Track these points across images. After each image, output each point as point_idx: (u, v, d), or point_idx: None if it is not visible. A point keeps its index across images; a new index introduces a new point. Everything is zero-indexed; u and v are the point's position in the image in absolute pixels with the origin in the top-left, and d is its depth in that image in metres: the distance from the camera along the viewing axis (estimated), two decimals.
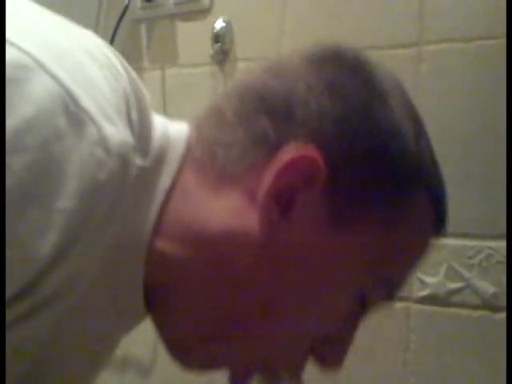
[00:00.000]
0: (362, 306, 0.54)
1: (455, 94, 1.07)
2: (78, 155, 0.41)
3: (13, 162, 0.39)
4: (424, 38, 1.10)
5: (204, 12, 1.32)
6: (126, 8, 1.39)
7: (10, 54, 0.41)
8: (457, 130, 1.06)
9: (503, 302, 1.00)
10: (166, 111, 1.25)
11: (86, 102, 0.42)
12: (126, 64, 0.50)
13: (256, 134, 0.50)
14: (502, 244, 1.01)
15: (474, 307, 1.03)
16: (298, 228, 0.50)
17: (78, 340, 0.51)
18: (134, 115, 0.47)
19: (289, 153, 0.49)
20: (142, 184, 0.48)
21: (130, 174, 0.45)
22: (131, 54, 1.35)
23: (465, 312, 1.04)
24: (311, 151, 0.48)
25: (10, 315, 0.41)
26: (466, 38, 1.06)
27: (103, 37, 0.51)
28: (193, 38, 1.33)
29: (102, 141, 0.42)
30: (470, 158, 1.05)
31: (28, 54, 0.42)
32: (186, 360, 0.55)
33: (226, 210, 0.50)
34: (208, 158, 0.51)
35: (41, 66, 0.41)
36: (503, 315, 1.00)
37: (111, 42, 1.35)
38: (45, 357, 0.50)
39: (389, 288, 0.55)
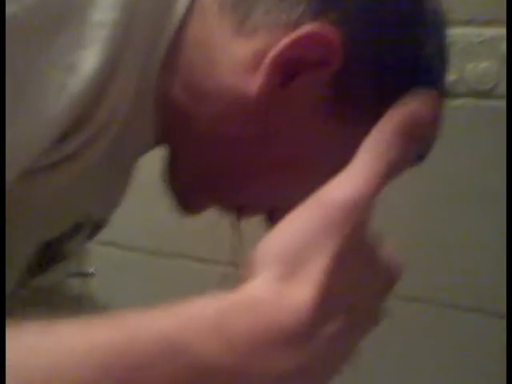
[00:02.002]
0: None
1: None
2: None
3: None
4: None
5: None
6: None
7: None
8: None
9: (461, 89, 0.98)
10: None
11: None
12: None
13: None
14: (469, 30, 0.98)
15: None
16: (294, 102, 0.49)
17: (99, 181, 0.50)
18: None
19: (311, 27, 0.46)
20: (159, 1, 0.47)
21: None
22: None
23: None
24: (334, 35, 0.46)
25: (59, 153, 0.41)
26: None
27: None
28: None
29: None
30: None
31: None
32: (185, 204, 0.58)
33: (231, 64, 0.48)
34: (232, 2, 0.49)
35: None
36: (459, 102, 1.02)
37: None
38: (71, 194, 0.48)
39: None
